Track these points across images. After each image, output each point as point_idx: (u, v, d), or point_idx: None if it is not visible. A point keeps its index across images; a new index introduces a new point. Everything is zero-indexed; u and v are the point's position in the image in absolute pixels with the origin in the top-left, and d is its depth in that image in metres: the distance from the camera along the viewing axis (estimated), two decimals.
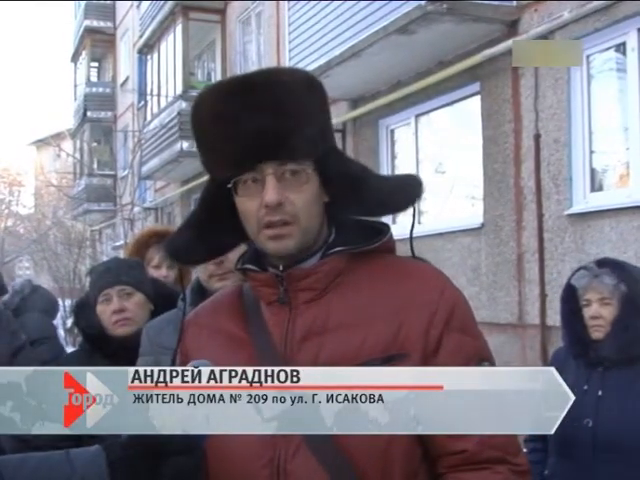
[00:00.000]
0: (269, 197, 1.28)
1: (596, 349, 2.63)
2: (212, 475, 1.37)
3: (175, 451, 1.17)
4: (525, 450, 2.93)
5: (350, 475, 1.26)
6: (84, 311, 2.59)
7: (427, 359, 1.30)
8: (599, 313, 2.62)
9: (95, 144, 22.62)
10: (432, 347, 1.30)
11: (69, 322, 10.99)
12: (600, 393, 2.60)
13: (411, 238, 1.45)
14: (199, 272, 2.11)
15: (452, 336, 1.32)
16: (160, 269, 3.22)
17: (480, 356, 1.34)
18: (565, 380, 3.06)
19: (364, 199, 1.38)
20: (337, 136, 6.53)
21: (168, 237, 1.53)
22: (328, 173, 1.35)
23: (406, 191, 1.40)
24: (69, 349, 5.66)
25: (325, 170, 1.34)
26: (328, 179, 1.35)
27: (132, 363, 2.23)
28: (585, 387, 2.64)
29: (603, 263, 2.71)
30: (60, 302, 7.17)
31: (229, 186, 1.32)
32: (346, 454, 1.26)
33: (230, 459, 1.33)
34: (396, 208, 1.44)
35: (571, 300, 2.73)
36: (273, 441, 1.29)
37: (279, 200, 1.29)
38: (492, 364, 1.35)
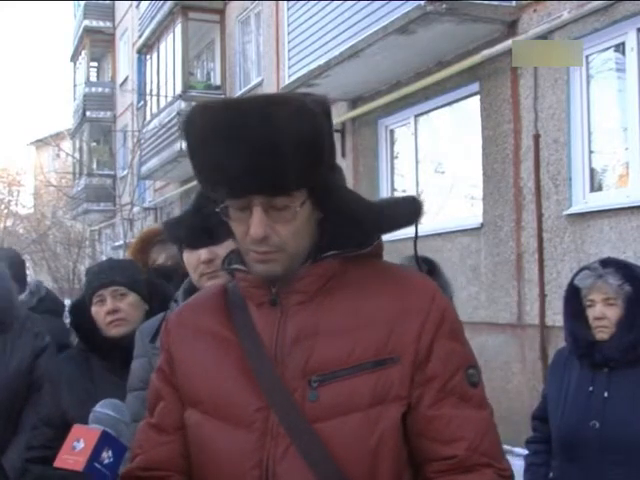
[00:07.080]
0: (254, 231, 1.27)
1: (601, 350, 2.60)
2: (200, 476, 1.36)
3: None
4: (527, 452, 2.91)
5: (338, 477, 1.26)
6: (80, 312, 2.59)
7: (419, 364, 1.30)
8: (603, 314, 2.59)
9: (94, 144, 22.63)
10: (424, 352, 1.31)
11: (67, 322, 10.98)
12: (606, 395, 2.56)
13: (416, 254, 1.45)
14: (190, 272, 2.09)
15: (443, 342, 1.32)
16: None
17: (469, 363, 1.36)
18: (569, 381, 3.02)
19: (354, 228, 1.35)
20: (336, 136, 6.47)
21: (169, 222, 1.57)
22: (321, 202, 1.33)
23: (398, 218, 1.38)
24: None
25: (318, 198, 1.32)
26: (321, 203, 1.33)
27: (127, 363, 2.22)
28: (590, 388, 2.61)
29: (607, 263, 2.66)
30: None
31: (217, 210, 1.31)
32: (335, 456, 1.26)
33: (219, 459, 1.33)
34: (385, 231, 1.41)
35: (574, 301, 2.69)
36: (261, 442, 1.29)
37: (264, 234, 1.28)
38: (478, 371, 1.37)
